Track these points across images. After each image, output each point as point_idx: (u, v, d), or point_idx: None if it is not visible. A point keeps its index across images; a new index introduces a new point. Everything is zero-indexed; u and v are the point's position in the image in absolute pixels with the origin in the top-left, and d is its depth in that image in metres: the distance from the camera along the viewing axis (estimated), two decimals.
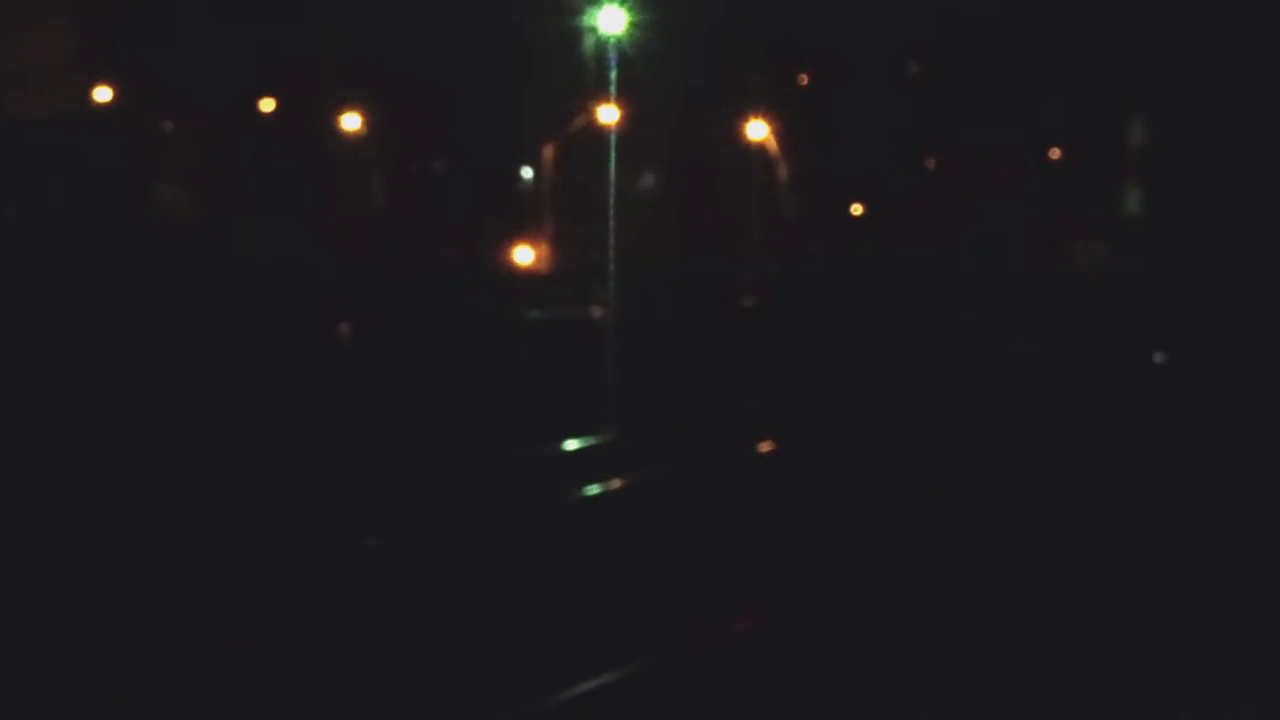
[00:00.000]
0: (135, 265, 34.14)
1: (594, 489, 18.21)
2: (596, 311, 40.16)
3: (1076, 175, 57.09)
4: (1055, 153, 57.37)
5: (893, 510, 17.33)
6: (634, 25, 42.30)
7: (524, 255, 49.40)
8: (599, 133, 45.99)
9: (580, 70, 45.02)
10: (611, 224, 44.49)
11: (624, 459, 19.46)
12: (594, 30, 42.80)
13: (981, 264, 49.61)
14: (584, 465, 19.33)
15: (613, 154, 44.67)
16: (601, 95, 44.99)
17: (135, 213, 41.11)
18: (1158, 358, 32.97)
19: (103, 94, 42.60)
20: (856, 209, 59.13)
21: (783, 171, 53.62)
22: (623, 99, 44.89)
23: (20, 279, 30.86)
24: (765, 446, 22.32)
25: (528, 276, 47.68)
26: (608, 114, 45.51)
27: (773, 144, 52.85)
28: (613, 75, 42.80)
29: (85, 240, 36.88)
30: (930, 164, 54.75)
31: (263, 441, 19.05)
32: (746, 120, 52.71)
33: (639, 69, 43.69)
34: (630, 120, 46.24)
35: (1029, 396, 25.84)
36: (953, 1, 50.33)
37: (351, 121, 48.46)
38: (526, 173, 52.44)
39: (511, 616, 13.17)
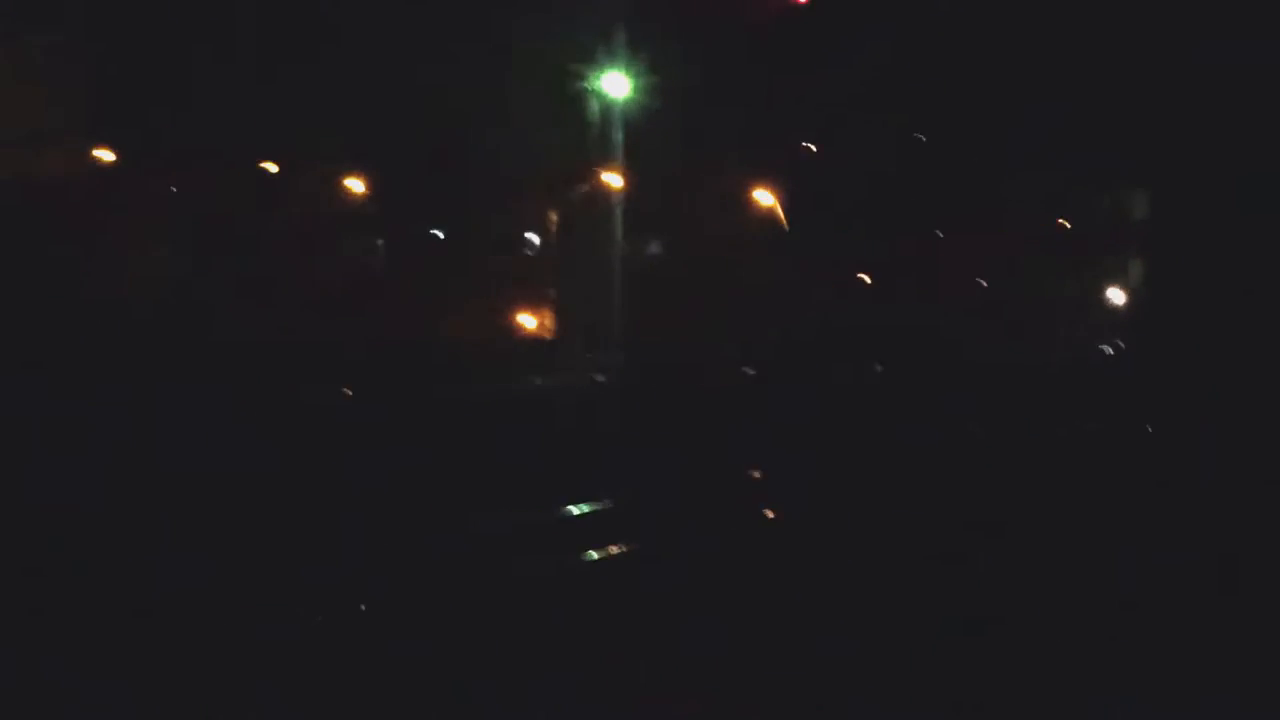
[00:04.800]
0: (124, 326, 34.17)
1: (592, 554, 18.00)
2: (599, 377, 40.07)
3: (1080, 247, 57.22)
4: (1061, 223, 57.43)
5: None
6: (638, 90, 42.44)
7: (528, 321, 49.37)
8: (604, 197, 46.03)
9: (585, 134, 45.02)
10: (617, 288, 44.52)
11: (620, 525, 19.24)
12: (598, 94, 42.95)
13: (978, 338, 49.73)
14: (580, 531, 19.11)
15: (618, 218, 44.75)
16: (606, 159, 45.05)
17: (131, 274, 40.98)
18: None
19: (105, 155, 42.54)
20: (865, 278, 59.08)
21: (787, 237, 53.53)
22: (627, 163, 44.95)
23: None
24: (770, 515, 22.10)
25: (530, 342, 47.59)
26: (612, 178, 45.57)
27: (778, 210, 52.76)
28: (618, 139, 42.90)
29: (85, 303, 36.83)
30: (934, 234, 54.76)
31: (260, 512, 18.79)
32: (752, 185, 52.72)
33: (643, 133, 43.74)
34: (635, 185, 46.28)
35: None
36: (956, 71, 50.43)
37: (354, 184, 48.47)
38: (534, 239, 52.44)
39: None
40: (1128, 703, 11.95)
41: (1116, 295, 56.34)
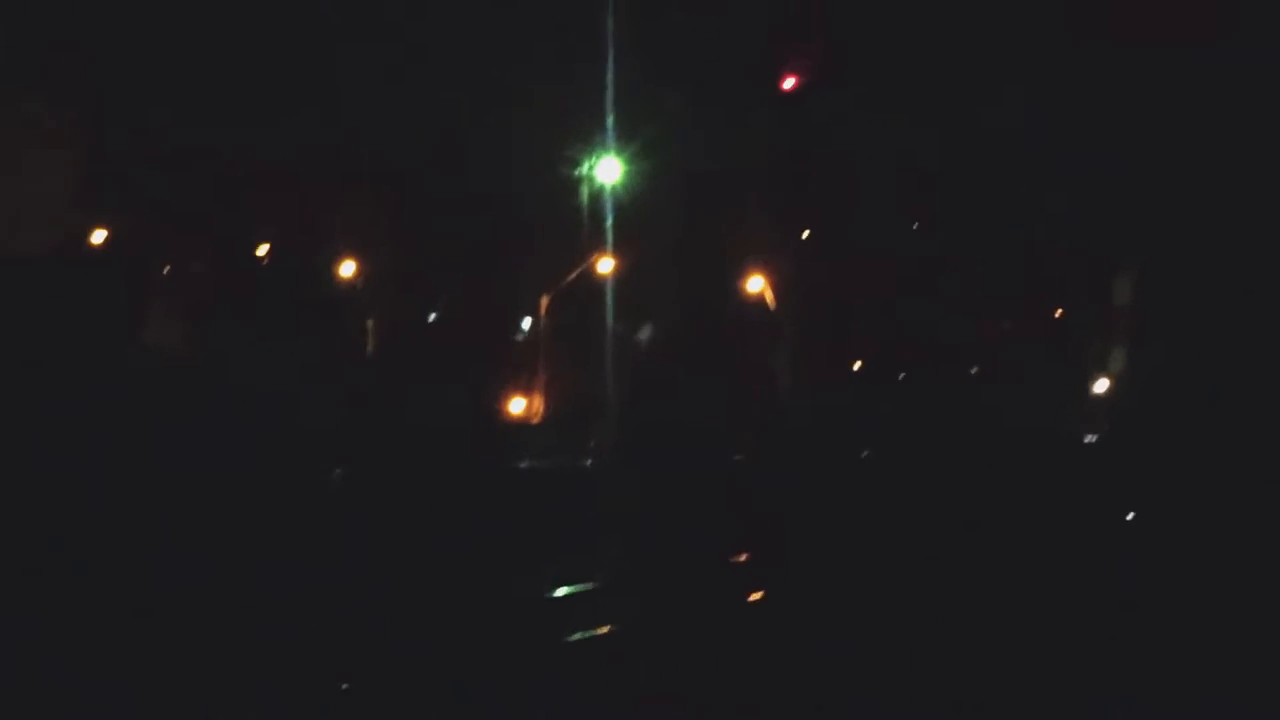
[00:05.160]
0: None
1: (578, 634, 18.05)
2: (586, 460, 40.18)
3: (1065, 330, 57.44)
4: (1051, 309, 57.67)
5: None
6: (630, 174, 42.73)
7: (517, 405, 49.49)
8: (596, 282, 46.28)
9: (579, 219, 45.28)
10: (608, 371, 44.70)
11: (609, 605, 19.31)
12: (591, 180, 43.24)
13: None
14: (569, 610, 19.17)
15: (609, 303, 44.97)
16: (598, 245, 45.32)
17: (126, 351, 41.06)
18: None
19: (99, 235, 42.78)
20: (856, 363, 59.26)
21: (779, 323, 53.74)
22: (619, 248, 45.22)
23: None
24: (754, 597, 22.17)
25: (520, 426, 47.68)
26: (604, 264, 45.84)
27: (770, 295, 52.96)
28: (609, 224, 43.15)
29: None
30: (922, 329, 54.99)
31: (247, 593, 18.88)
32: (745, 271, 52.96)
33: (635, 218, 44.02)
34: (628, 269, 46.53)
35: None
36: (939, 161, 50.77)
37: (347, 269, 48.66)
38: (526, 323, 52.62)
39: None
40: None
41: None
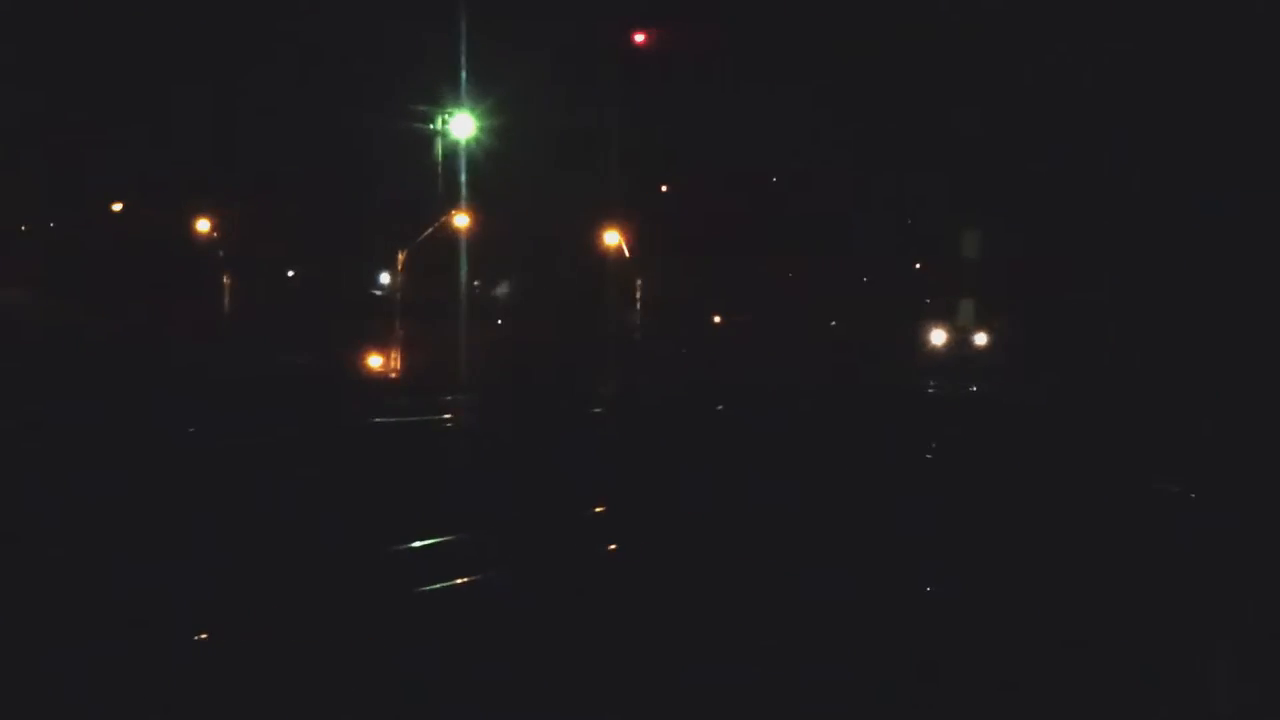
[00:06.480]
0: None
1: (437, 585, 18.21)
2: (445, 415, 40.30)
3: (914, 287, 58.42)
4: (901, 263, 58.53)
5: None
6: (484, 131, 42.81)
7: (374, 360, 49.47)
8: (452, 238, 46.35)
9: (435, 177, 45.33)
10: (462, 328, 44.81)
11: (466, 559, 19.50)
12: (446, 135, 43.27)
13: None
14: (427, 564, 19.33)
15: (464, 259, 45.07)
16: (454, 201, 45.38)
17: None
18: None
19: None
20: (715, 317, 59.76)
21: (636, 278, 54.06)
22: (476, 205, 45.31)
23: None
24: (609, 547, 22.42)
25: (377, 381, 47.69)
26: (459, 220, 45.89)
27: (625, 250, 53.26)
28: (464, 181, 43.23)
29: None
30: (777, 272, 55.61)
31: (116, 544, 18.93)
32: (599, 227, 53.22)
33: (491, 175, 44.14)
34: (484, 226, 46.63)
35: None
36: (802, 114, 51.28)
37: (202, 225, 48.41)
38: (384, 278, 52.53)
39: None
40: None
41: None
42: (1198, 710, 12.88)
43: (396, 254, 50.01)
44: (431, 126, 42.97)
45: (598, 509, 25.52)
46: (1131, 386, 42.62)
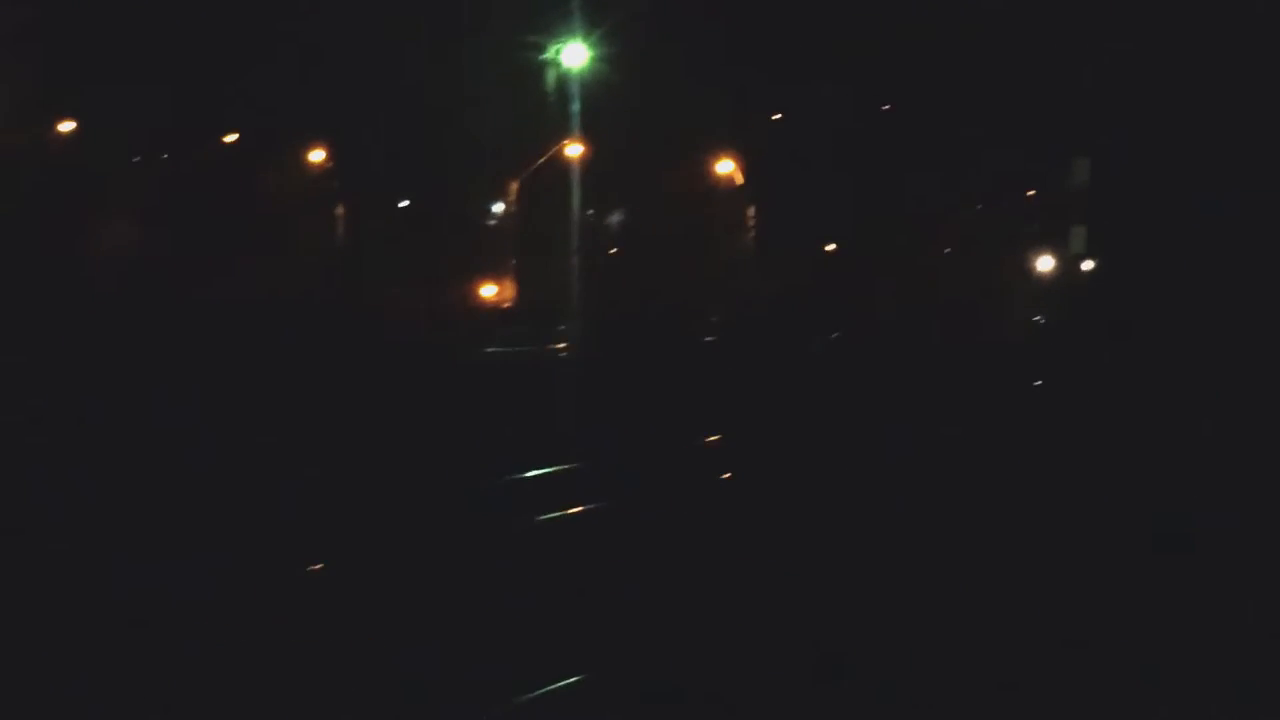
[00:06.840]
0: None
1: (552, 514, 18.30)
2: (559, 345, 40.38)
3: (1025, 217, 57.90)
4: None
5: None
6: (597, 61, 42.62)
7: (488, 291, 49.62)
8: (564, 169, 46.25)
9: (546, 106, 45.24)
10: (575, 260, 44.77)
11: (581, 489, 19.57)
12: (558, 65, 43.11)
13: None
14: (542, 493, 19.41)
15: (576, 188, 44.97)
16: (567, 131, 45.27)
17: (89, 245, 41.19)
18: None
19: (66, 126, 42.72)
20: (829, 246, 59.43)
21: (747, 210, 53.86)
22: (588, 135, 45.17)
23: None
24: (724, 476, 22.42)
25: (491, 312, 47.84)
26: (573, 150, 45.78)
27: (737, 181, 53.08)
28: (576, 110, 43.06)
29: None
30: (893, 204, 55.22)
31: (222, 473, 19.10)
32: (712, 157, 53.03)
33: (604, 105, 43.96)
34: (596, 157, 46.49)
35: None
36: (910, 47, 50.81)
37: (315, 156, 48.61)
38: (497, 208, 52.56)
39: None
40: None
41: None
42: None
43: (508, 184, 50.08)
44: (544, 56, 42.85)
45: (711, 439, 25.55)
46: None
